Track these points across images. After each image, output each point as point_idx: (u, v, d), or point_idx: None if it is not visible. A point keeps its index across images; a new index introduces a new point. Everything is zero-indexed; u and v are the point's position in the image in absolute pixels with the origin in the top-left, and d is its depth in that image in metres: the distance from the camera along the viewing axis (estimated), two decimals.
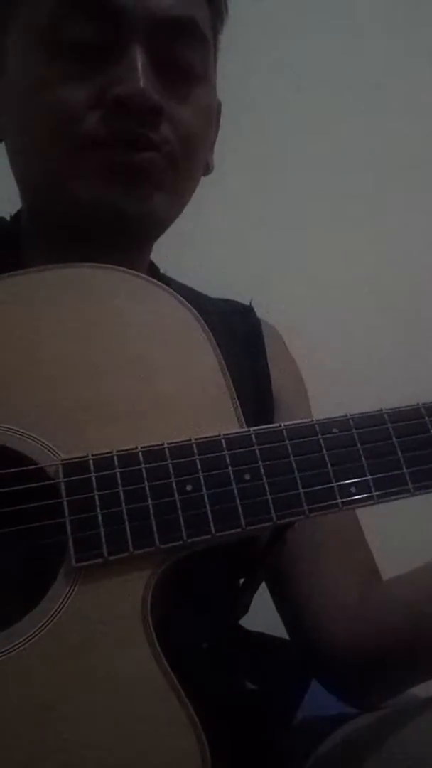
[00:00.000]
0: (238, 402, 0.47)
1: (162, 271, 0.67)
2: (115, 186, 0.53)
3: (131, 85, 0.51)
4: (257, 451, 0.44)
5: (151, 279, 0.51)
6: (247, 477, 0.44)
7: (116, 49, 0.52)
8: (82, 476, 0.42)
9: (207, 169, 0.64)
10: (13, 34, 0.56)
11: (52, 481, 0.42)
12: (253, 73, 1.20)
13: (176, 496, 0.43)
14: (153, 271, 0.66)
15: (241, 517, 0.43)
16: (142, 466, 0.43)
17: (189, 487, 0.43)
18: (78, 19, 0.52)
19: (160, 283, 0.50)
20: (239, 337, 0.68)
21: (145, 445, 0.44)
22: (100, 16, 0.52)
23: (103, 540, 0.41)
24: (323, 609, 0.60)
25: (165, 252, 0.66)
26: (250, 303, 0.72)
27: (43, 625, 0.40)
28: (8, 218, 0.64)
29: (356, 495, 0.44)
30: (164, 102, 0.53)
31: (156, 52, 0.53)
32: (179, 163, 0.55)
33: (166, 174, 0.55)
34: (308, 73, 1.26)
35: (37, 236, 0.60)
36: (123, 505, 0.42)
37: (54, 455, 0.43)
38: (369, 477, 0.45)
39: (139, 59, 0.52)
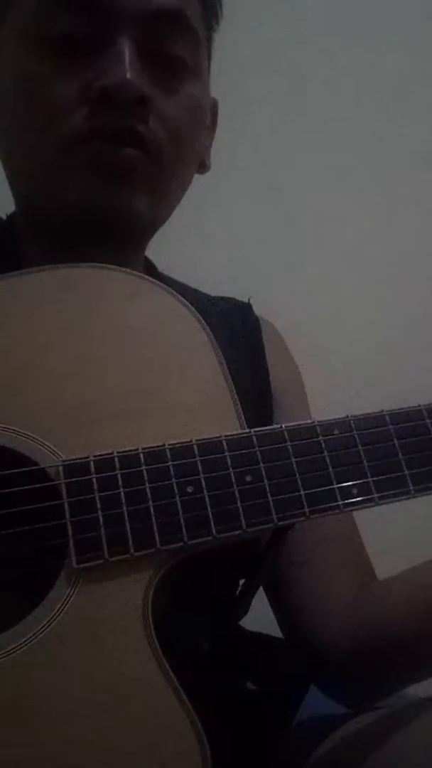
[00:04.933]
0: (239, 402, 0.47)
1: (161, 269, 0.67)
2: (99, 183, 0.53)
3: (117, 76, 0.51)
4: (258, 452, 0.44)
5: (150, 278, 0.50)
6: (248, 478, 0.44)
7: (104, 42, 0.52)
8: (83, 477, 0.42)
9: (203, 168, 0.64)
10: (3, 32, 0.56)
11: (53, 483, 0.42)
12: (252, 70, 1.19)
13: (177, 497, 0.43)
14: (150, 269, 0.66)
15: (242, 519, 0.43)
16: (143, 467, 0.43)
17: (190, 489, 0.43)
18: (66, 12, 0.52)
19: (160, 283, 0.50)
20: (238, 335, 0.68)
21: (146, 446, 0.43)
22: (88, 9, 0.52)
23: (104, 541, 0.41)
24: (319, 610, 0.60)
25: (165, 251, 0.65)
26: (249, 301, 0.72)
27: (44, 626, 0.40)
28: (4, 217, 0.64)
29: (357, 497, 0.44)
30: (151, 94, 0.53)
31: (144, 45, 0.53)
32: (166, 158, 0.55)
33: (150, 171, 0.54)
34: (308, 71, 1.25)
35: (32, 235, 0.60)
36: (124, 506, 0.42)
37: (55, 456, 0.43)
38: (370, 479, 0.45)
39: (126, 51, 0.52)
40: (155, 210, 0.57)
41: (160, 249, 0.65)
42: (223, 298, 0.72)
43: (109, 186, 0.53)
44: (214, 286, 0.71)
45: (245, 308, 0.71)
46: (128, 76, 0.51)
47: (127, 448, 0.43)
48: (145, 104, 0.52)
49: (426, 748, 0.46)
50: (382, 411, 0.47)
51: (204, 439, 0.44)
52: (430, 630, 0.52)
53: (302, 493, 0.44)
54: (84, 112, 0.52)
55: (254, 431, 0.45)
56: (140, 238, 0.61)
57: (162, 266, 0.67)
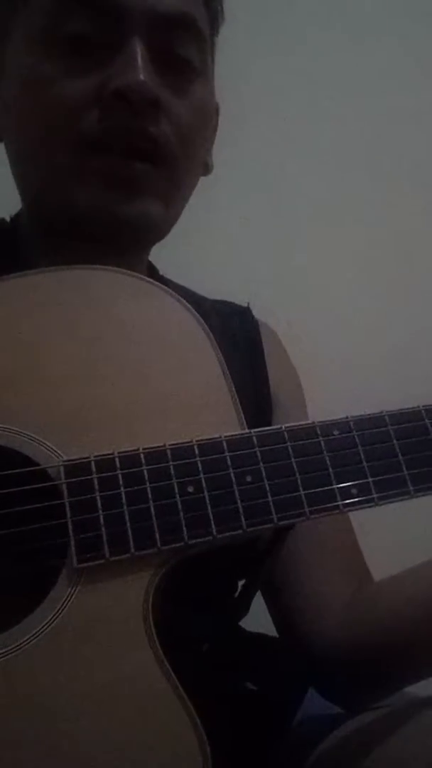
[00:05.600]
0: (239, 403, 0.47)
1: (161, 272, 0.68)
2: (113, 195, 0.53)
3: (130, 77, 0.51)
4: (258, 452, 0.45)
5: (152, 281, 0.51)
6: (249, 479, 0.44)
7: (116, 44, 0.53)
8: (83, 477, 0.43)
9: (207, 170, 0.65)
10: (14, 34, 0.56)
11: (54, 483, 0.42)
12: (253, 73, 1.20)
13: (177, 497, 0.43)
14: (151, 272, 0.66)
15: (242, 519, 0.43)
16: (144, 467, 0.43)
17: (190, 489, 0.43)
18: (78, 15, 0.52)
19: (161, 285, 0.51)
20: (238, 338, 0.68)
21: (147, 446, 0.44)
22: (100, 11, 0.52)
23: (105, 541, 0.41)
24: (315, 612, 0.60)
25: (165, 252, 0.66)
26: (248, 305, 0.72)
27: (45, 625, 0.40)
28: (8, 219, 0.64)
29: (357, 497, 0.44)
30: (162, 96, 0.53)
31: (155, 47, 0.53)
32: (177, 162, 0.56)
33: (162, 180, 0.55)
34: (308, 73, 1.26)
35: (36, 237, 0.61)
36: (125, 506, 0.42)
37: (56, 456, 0.43)
38: (369, 479, 0.45)
39: (139, 53, 0.52)
40: (168, 215, 0.57)
41: (161, 251, 0.65)
42: (222, 302, 0.72)
43: (124, 195, 0.54)
44: (213, 290, 0.71)
45: (244, 312, 0.72)
46: (142, 77, 0.51)
47: (128, 448, 0.44)
48: (156, 105, 0.53)
49: (426, 748, 0.46)
50: (382, 412, 0.47)
51: (204, 439, 0.44)
52: (426, 632, 0.52)
53: (302, 493, 0.44)
54: (95, 113, 0.53)
55: (254, 432, 0.45)
56: (148, 243, 0.61)
57: (164, 268, 0.68)
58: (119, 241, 0.56)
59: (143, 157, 0.54)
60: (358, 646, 0.57)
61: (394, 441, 0.46)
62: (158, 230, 0.58)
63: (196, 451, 0.44)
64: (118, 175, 0.53)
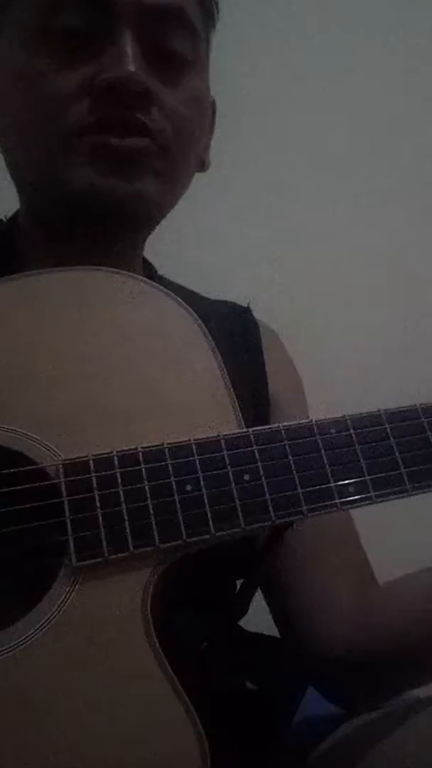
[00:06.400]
0: (237, 403, 0.47)
1: (160, 272, 0.68)
2: (107, 170, 0.53)
3: (120, 69, 0.52)
4: (256, 451, 0.45)
5: (150, 281, 0.51)
6: (246, 477, 0.44)
7: (106, 37, 0.53)
8: (82, 476, 0.43)
9: (202, 166, 0.65)
10: (5, 32, 0.57)
11: (52, 481, 0.43)
12: (253, 69, 1.20)
13: (176, 496, 0.43)
14: (149, 271, 0.66)
15: (240, 517, 0.43)
16: (142, 466, 0.43)
17: (188, 487, 0.43)
18: (68, 8, 0.53)
19: (159, 286, 0.51)
20: (237, 338, 0.68)
21: (145, 445, 0.44)
22: (90, 5, 0.53)
23: (104, 539, 0.41)
24: (320, 615, 0.60)
25: (165, 252, 0.66)
26: (248, 305, 0.72)
27: (43, 624, 0.40)
28: (4, 220, 0.65)
29: (354, 495, 0.44)
30: (154, 87, 0.54)
31: (146, 40, 0.54)
32: (171, 150, 0.56)
33: (157, 159, 0.55)
34: (308, 70, 1.26)
35: (34, 235, 0.61)
36: (123, 504, 0.42)
37: (54, 455, 0.43)
38: (367, 477, 0.45)
39: (129, 45, 0.53)
40: (163, 195, 0.57)
41: (160, 251, 0.66)
42: (222, 302, 0.72)
43: (118, 169, 0.54)
44: (213, 290, 0.71)
45: (244, 311, 0.72)
46: (132, 68, 0.52)
47: (126, 448, 0.44)
48: (147, 97, 0.53)
49: (425, 747, 0.46)
50: (379, 410, 0.47)
51: (202, 438, 0.44)
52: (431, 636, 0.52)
53: (300, 491, 0.44)
54: (86, 105, 0.53)
55: (252, 430, 0.45)
56: (144, 225, 0.61)
57: (163, 268, 0.68)
58: (117, 225, 0.56)
59: (137, 134, 0.54)
60: (364, 648, 0.57)
61: (391, 439, 0.46)
62: (154, 209, 0.58)
63: (194, 450, 0.44)
64: (111, 149, 0.53)
